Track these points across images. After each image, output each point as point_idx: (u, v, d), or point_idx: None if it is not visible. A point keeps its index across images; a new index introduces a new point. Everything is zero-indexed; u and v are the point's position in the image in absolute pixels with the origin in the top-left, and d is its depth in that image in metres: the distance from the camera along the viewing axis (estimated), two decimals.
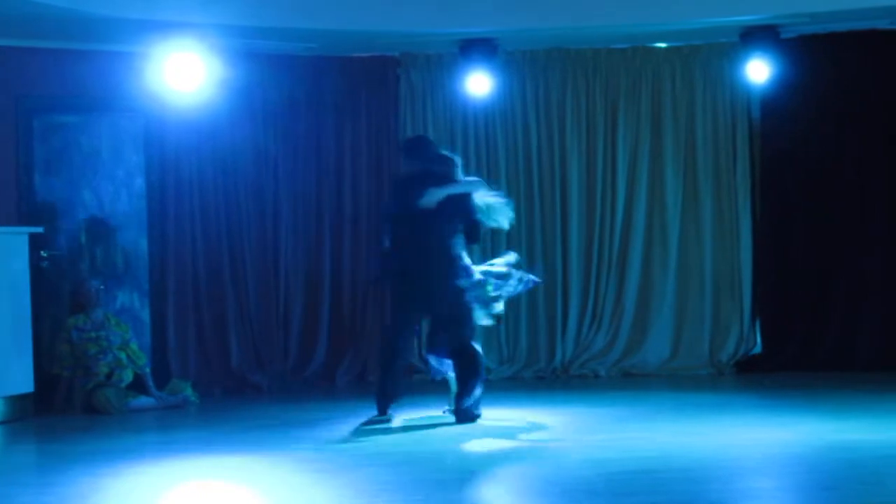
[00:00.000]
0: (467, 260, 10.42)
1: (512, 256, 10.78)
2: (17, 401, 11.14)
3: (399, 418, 10.30)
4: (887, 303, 12.94)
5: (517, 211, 13.34)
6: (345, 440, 9.66)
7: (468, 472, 8.46)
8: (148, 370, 11.84)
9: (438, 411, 10.53)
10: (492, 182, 13.31)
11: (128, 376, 11.71)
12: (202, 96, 12.15)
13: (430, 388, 11.25)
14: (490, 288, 10.38)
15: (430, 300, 10.26)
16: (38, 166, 12.21)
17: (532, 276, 10.77)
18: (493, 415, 10.75)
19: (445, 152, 10.82)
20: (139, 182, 12.57)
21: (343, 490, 7.85)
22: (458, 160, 10.68)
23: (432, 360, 10.55)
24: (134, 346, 11.83)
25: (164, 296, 12.64)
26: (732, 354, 13.22)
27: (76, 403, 11.56)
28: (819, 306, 13.06)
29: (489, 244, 13.18)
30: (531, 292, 13.32)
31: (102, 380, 11.58)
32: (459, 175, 10.56)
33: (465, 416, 10.20)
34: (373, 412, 10.35)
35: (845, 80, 12.95)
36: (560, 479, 8.00)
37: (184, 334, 12.68)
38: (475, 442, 9.51)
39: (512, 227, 13.25)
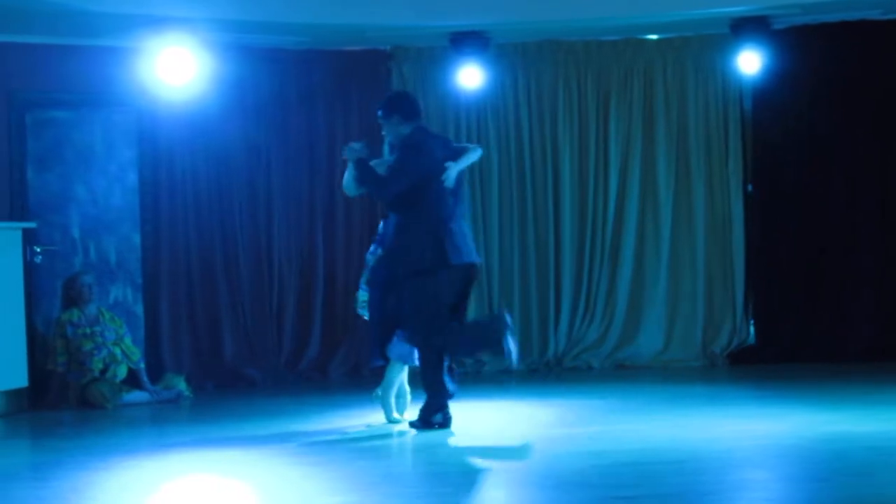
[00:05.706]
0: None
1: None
2: (12, 396, 11.15)
3: None
4: (880, 294, 12.96)
5: (510, 203, 13.44)
6: (338, 433, 9.67)
7: (461, 464, 8.47)
8: (142, 365, 11.84)
9: None
10: (484, 175, 13.43)
11: (122, 371, 11.72)
12: (194, 91, 12.16)
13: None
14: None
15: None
16: (31, 162, 12.20)
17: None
18: (487, 407, 10.77)
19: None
20: (132, 177, 12.57)
21: (337, 483, 7.87)
22: None
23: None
24: (128, 341, 11.84)
25: (157, 290, 12.64)
26: (725, 346, 13.23)
27: (70, 398, 11.58)
28: (812, 298, 13.07)
29: (482, 236, 13.24)
30: (524, 285, 13.37)
31: (97, 375, 11.59)
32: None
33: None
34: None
35: (837, 70, 12.95)
36: (553, 471, 8.02)
37: (177, 328, 12.68)
38: (468, 434, 9.51)
39: (504, 220, 13.44)
